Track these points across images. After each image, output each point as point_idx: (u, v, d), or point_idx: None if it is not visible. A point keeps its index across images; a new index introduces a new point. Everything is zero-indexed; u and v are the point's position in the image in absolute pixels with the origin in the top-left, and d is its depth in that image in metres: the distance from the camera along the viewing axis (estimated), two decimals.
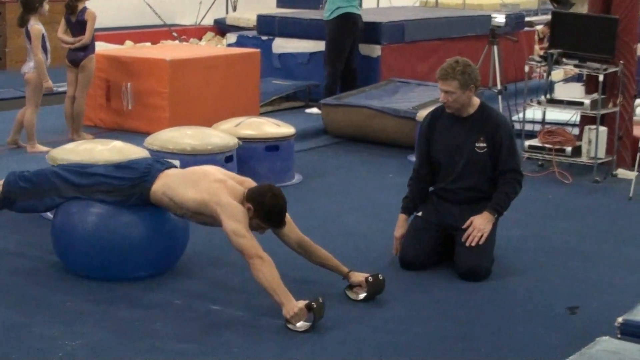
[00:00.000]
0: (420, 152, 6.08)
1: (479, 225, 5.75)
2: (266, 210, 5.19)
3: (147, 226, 5.56)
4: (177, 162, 6.80)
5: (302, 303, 4.93)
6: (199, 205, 5.28)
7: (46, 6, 8.40)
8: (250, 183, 5.43)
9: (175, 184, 5.40)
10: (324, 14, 10.72)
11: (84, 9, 8.88)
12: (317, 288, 5.37)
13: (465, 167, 5.88)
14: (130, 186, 5.48)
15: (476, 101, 5.92)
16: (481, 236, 5.73)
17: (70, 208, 5.63)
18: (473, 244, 5.72)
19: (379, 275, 5.39)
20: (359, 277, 5.39)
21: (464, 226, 5.79)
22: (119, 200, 5.50)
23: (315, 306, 4.90)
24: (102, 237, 5.51)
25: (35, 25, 8.26)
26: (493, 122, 5.88)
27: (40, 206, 5.82)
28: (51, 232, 5.74)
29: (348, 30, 10.53)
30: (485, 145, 5.85)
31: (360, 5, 11.06)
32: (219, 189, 5.24)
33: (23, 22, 8.29)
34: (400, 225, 5.99)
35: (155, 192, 5.43)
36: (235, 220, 5.10)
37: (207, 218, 5.32)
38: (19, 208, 5.87)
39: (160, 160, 5.79)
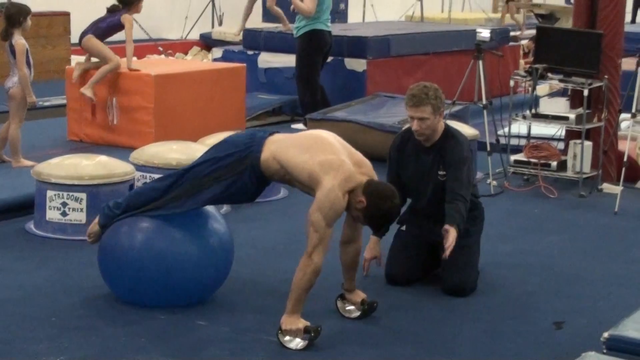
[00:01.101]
0: (391, 174, 5.98)
1: (454, 240, 5.50)
2: (376, 215, 4.98)
3: (193, 248, 5.31)
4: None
5: (302, 324, 4.88)
6: (307, 175, 4.92)
7: (29, 21, 8.38)
8: (368, 169, 5.08)
9: (285, 148, 5.02)
10: (294, 31, 10.69)
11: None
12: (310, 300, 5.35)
13: (432, 194, 5.82)
14: (238, 160, 5.08)
15: (441, 126, 5.82)
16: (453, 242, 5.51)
17: (114, 227, 5.39)
18: (447, 253, 5.48)
19: (375, 303, 5.37)
20: (357, 297, 5.36)
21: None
22: (232, 182, 5.10)
23: (312, 334, 4.88)
24: (155, 260, 5.25)
25: (20, 40, 8.22)
26: (449, 149, 5.74)
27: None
28: (98, 254, 5.48)
29: (317, 47, 10.47)
30: (444, 173, 5.75)
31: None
32: (335, 169, 4.87)
33: (6, 36, 8.26)
34: (372, 247, 5.86)
35: (266, 159, 5.04)
36: (323, 214, 4.84)
37: (306, 188, 5.03)
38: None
39: (260, 130, 5.39)
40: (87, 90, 9.22)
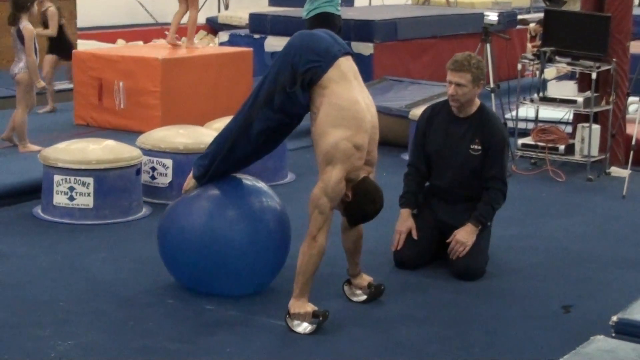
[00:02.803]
0: (417, 146, 6.05)
1: (462, 238, 5.72)
2: (355, 213, 5.01)
3: (251, 240, 5.25)
4: (169, 162, 6.79)
5: (310, 308, 4.88)
6: (323, 154, 4.83)
7: (36, 7, 8.36)
8: (372, 155, 5.03)
9: (328, 108, 4.82)
10: (302, 13, 10.67)
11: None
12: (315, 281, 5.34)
13: (459, 167, 5.86)
14: (303, 70, 4.87)
15: (477, 102, 5.90)
16: (463, 249, 5.70)
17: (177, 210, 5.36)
18: (454, 257, 5.71)
19: (382, 285, 5.37)
20: (363, 281, 5.36)
21: (448, 240, 5.76)
22: (289, 97, 4.92)
23: (321, 318, 4.88)
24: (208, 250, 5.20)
25: (28, 26, 8.22)
26: (490, 127, 5.85)
27: (232, 168, 5.42)
28: (158, 236, 5.45)
29: (326, 29, 10.45)
30: (480, 148, 5.82)
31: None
32: (345, 156, 4.80)
33: (14, 21, 8.25)
34: (406, 218, 5.90)
35: (321, 88, 4.84)
36: (327, 195, 4.82)
37: (314, 145, 4.92)
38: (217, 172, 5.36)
39: (337, 40, 5.10)
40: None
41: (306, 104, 4.96)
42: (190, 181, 5.42)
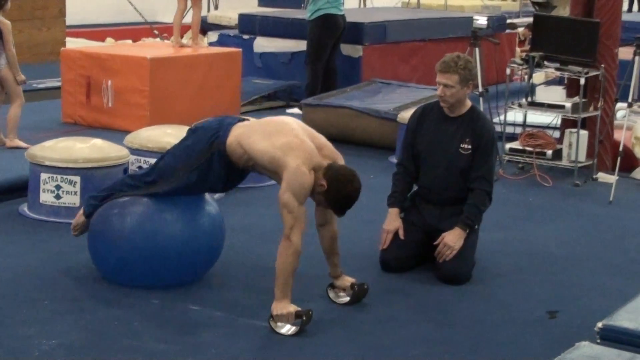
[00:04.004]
0: (406, 145, 6.05)
1: (449, 242, 5.72)
2: (338, 198, 4.99)
3: (184, 228, 5.35)
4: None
5: (293, 308, 4.87)
6: (269, 160, 4.97)
7: (9, 3, 8.34)
8: (330, 151, 5.12)
9: (249, 134, 5.07)
10: (306, 14, 10.71)
11: None
12: (297, 282, 5.33)
13: (448, 166, 5.87)
14: (207, 146, 5.13)
15: (468, 103, 5.92)
16: (450, 253, 5.71)
17: (104, 211, 5.43)
18: (440, 260, 5.71)
19: (365, 285, 5.36)
20: (345, 281, 5.35)
21: (435, 242, 5.77)
22: (203, 170, 5.15)
23: (304, 318, 4.87)
24: (143, 242, 5.29)
25: (5, 21, 8.21)
26: (480, 126, 5.87)
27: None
28: (88, 234, 5.54)
29: (329, 31, 10.53)
30: (470, 147, 5.83)
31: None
32: (293, 149, 4.91)
33: None
34: (393, 218, 5.91)
35: (231, 143, 5.09)
36: (293, 193, 4.84)
37: (272, 174, 5.05)
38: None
39: (229, 117, 5.45)
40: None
41: (222, 167, 5.17)
42: (80, 218, 5.56)
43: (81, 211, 5.58)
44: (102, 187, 5.71)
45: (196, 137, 5.24)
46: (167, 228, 5.32)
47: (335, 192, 4.98)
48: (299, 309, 4.89)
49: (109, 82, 9.29)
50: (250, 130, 5.11)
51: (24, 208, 6.73)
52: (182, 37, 10.57)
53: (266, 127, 5.12)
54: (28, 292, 5.32)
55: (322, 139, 5.18)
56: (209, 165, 5.16)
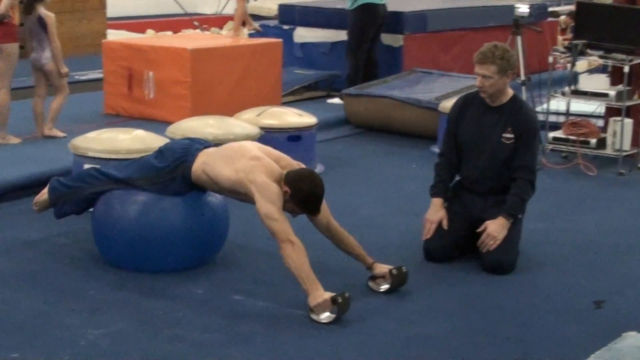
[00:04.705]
0: (449, 135, 6.02)
1: (493, 232, 5.68)
2: (303, 197, 5.11)
3: (186, 220, 5.50)
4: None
5: (328, 295, 4.89)
6: (234, 183, 5.21)
7: None
8: (288, 162, 5.34)
9: (213, 161, 5.34)
10: (347, 3, 10.68)
11: None
12: (339, 278, 5.33)
13: (490, 156, 5.83)
14: (172, 169, 5.42)
15: (510, 91, 5.87)
16: (494, 243, 5.67)
17: (110, 198, 5.57)
18: (484, 250, 5.68)
19: (403, 267, 5.35)
20: (382, 269, 5.35)
21: (478, 230, 5.74)
22: (164, 186, 5.43)
23: (340, 300, 4.87)
24: (141, 229, 5.45)
25: (49, 13, 8.27)
26: (522, 115, 5.82)
27: (86, 205, 5.80)
28: (91, 223, 5.70)
29: (370, 21, 10.48)
30: (512, 136, 5.79)
31: None
32: (255, 167, 5.16)
33: (30, 10, 8.29)
34: (438, 209, 5.88)
35: (196, 170, 5.37)
36: (269, 202, 5.02)
37: (242, 196, 5.25)
38: (68, 211, 5.86)
39: (198, 140, 5.71)
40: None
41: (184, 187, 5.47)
42: (43, 196, 5.88)
43: (45, 189, 5.85)
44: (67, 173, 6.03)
45: (163, 157, 5.50)
46: (168, 213, 5.48)
47: (300, 192, 5.10)
48: (334, 294, 4.89)
49: (150, 73, 9.33)
50: (212, 159, 5.36)
51: None
52: (222, 28, 10.58)
53: (227, 153, 5.36)
54: (74, 282, 5.36)
55: (277, 153, 5.41)
56: (171, 183, 5.45)
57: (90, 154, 6.57)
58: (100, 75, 10.37)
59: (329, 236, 5.42)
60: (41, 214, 6.00)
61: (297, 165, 5.35)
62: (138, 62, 9.43)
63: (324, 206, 5.33)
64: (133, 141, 6.66)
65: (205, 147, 5.53)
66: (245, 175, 5.14)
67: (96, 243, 5.71)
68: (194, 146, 5.51)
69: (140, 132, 6.85)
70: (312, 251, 5.19)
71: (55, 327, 4.73)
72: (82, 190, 5.71)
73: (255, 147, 5.41)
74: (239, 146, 5.45)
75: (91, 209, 5.76)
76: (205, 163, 5.35)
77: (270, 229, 5.02)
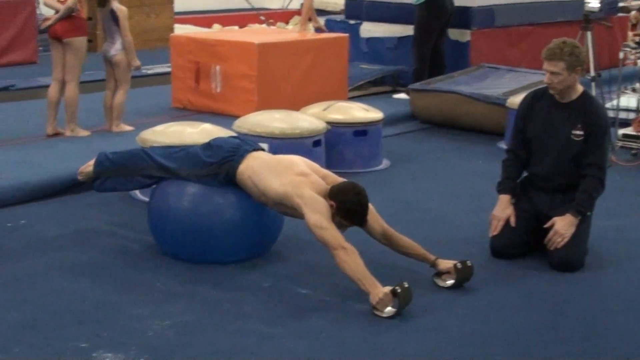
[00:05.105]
0: (517, 131, 5.96)
1: (561, 229, 5.62)
2: (348, 209, 5.16)
3: (243, 210, 5.55)
4: (265, 146, 6.81)
5: (387, 289, 4.90)
6: (281, 197, 5.28)
7: None
8: (334, 178, 5.40)
9: (261, 170, 5.40)
10: None
11: None
12: (404, 274, 5.31)
13: (559, 153, 5.77)
14: (218, 166, 5.50)
15: (580, 88, 5.80)
16: (562, 240, 5.61)
17: (167, 189, 5.66)
18: (551, 248, 5.61)
19: (468, 262, 5.32)
20: (447, 264, 5.33)
21: (546, 226, 5.68)
22: (207, 180, 5.52)
23: (399, 291, 4.86)
24: (198, 220, 5.51)
25: (121, 6, 8.36)
26: (592, 112, 5.75)
27: (128, 185, 5.96)
28: (148, 213, 5.78)
29: (436, 16, 10.42)
30: (582, 133, 5.72)
31: None
32: (302, 183, 5.24)
33: (104, 3, 8.38)
34: (505, 205, 5.85)
35: (242, 173, 5.44)
36: (317, 213, 5.09)
37: (288, 209, 5.34)
38: (108, 187, 5.98)
39: (248, 141, 5.79)
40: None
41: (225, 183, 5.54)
42: (88, 168, 6.01)
43: (92, 161, 5.98)
44: (117, 150, 6.09)
45: (212, 153, 5.57)
46: (224, 205, 5.54)
47: (344, 204, 5.16)
48: (392, 287, 4.89)
49: (218, 67, 9.38)
50: (261, 169, 5.42)
51: (136, 191, 6.84)
52: (288, 23, 10.60)
53: (276, 167, 5.41)
54: (140, 273, 5.41)
55: (324, 170, 5.51)
56: (214, 179, 5.53)
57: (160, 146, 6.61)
58: (168, 69, 10.47)
59: (386, 243, 5.44)
60: (108, 206, 6.06)
61: (341, 180, 5.41)
62: (206, 56, 9.49)
63: (377, 215, 5.39)
64: (200, 134, 6.69)
65: (254, 150, 5.59)
66: (293, 190, 5.22)
67: (152, 234, 5.77)
68: (242, 147, 5.58)
69: (207, 126, 6.90)
70: (372, 249, 5.23)
71: (122, 318, 4.79)
72: (126, 170, 5.82)
73: (303, 163, 5.48)
74: (289, 161, 5.49)
75: (139, 194, 5.78)
76: (252, 169, 5.42)
77: (322, 238, 5.07)
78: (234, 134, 6.90)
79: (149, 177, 5.76)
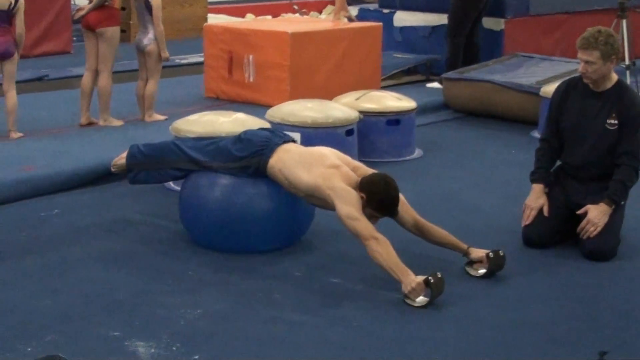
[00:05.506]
0: (551, 120, 5.93)
1: (594, 218, 5.58)
2: (378, 200, 5.16)
3: (274, 200, 5.56)
4: (297, 135, 6.81)
5: (420, 278, 4.89)
6: (312, 189, 5.29)
7: None
8: (365, 170, 5.40)
9: (291, 163, 5.41)
10: None
11: None
12: (436, 264, 5.31)
13: (594, 143, 5.73)
14: (248, 159, 5.51)
15: (614, 77, 5.75)
16: (595, 229, 5.57)
17: (199, 180, 5.68)
18: (585, 237, 5.57)
19: (500, 251, 5.29)
20: (479, 253, 5.31)
21: (579, 212, 5.64)
22: (237, 173, 5.54)
23: (432, 281, 4.85)
24: (230, 209, 5.53)
25: None
26: (627, 100, 5.70)
27: (161, 177, 5.98)
28: (179, 203, 5.80)
29: (472, 5, 10.35)
30: (616, 122, 5.68)
31: None
32: (332, 175, 5.24)
33: None
34: (539, 195, 5.82)
35: (272, 167, 5.45)
36: (348, 204, 5.09)
37: (318, 201, 5.34)
38: (142, 179, 6.02)
39: (278, 134, 5.79)
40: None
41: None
42: (121, 160, 6.08)
43: (125, 154, 6.04)
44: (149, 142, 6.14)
45: (242, 146, 5.57)
46: (255, 195, 5.55)
47: (374, 195, 5.15)
48: (425, 276, 4.88)
49: (251, 57, 9.39)
50: (291, 161, 5.42)
51: (169, 182, 6.86)
52: (321, 12, 10.57)
53: (307, 159, 5.41)
54: (172, 263, 5.44)
55: (355, 162, 5.51)
56: (244, 171, 5.55)
57: (191, 136, 6.62)
58: (201, 59, 10.48)
59: (418, 234, 5.43)
60: (140, 196, 6.09)
61: (372, 172, 5.40)
62: (239, 46, 9.49)
63: (408, 206, 5.38)
64: (233, 124, 6.71)
65: (285, 142, 5.58)
66: (324, 182, 5.22)
67: (183, 224, 5.79)
68: (273, 140, 5.58)
69: (240, 115, 6.91)
70: (404, 238, 5.21)
71: (155, 307, 4.81)
72: (158, 163, 5.86)
73: (333, 155, 5.48)
74: (319, 153, 5.49)
75: (172, 184, 5.82)
76: (283, 162, 5.42)
77: (353, 229, 5.06)
78: (267, 124, 6.91)
79: (180, 169, 5.78)
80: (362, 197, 5.15)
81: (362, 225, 5.05)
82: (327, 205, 5.27)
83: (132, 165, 5.97)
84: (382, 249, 4.98)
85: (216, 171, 5.60)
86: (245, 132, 5.76)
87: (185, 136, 6.58)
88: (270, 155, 5.48)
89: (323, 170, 5.29)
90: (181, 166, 5.76)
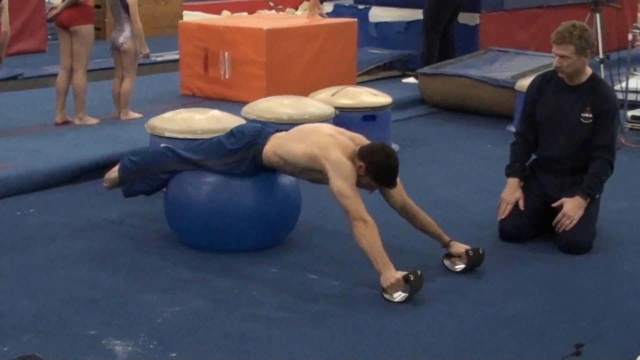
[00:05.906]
0: (526, 114, 5.96)
1: (569, 211, 5.61)
2: (378, 169, 5.10)
3: (261, 200, 5.54)
4: None
5: (400, 274, 4.89)
6: (308, 159, 5.20)
7: None
8: (362, 140, 5.32)
9: (285, 141, 5.35)
10: None
11: None
12: (415, 257, 5.33)
13: (568, 136, 5.76)
14: (244, 151, 5.45)
15: (589, 71, 5.79)
16: (570, 223, 5.60)
17: (184, 177, 5.63)
18: (560, 230, 5.61)
19: (480, 249, 5.31)
20: (459, 248, 5.32)
21: (555, 205, 5.67)
22: (233, 167, 5.47)
23: (412, 279, 4.86)
24: (214, 210, 5.50)
25: None
26: (601, 94, 5.74)
27: (155, 184, 5.85)
28: (164, 201, 5.77)
29: (447, 1, 10.37)
30: (590, 116, 5.71)
31: None
32: (329, 143, 5.16)
33: None
34: (514, 189, 5.84)
35: (267, 152, 5.38)
36: (342, 179, 5.02)
37: (316, 174, 5.24)
38: (137, 191, 5.92)
39: (269, 125, 5.77)
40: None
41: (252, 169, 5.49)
42: (113, 174, 5.98)
43: (116, 167, 5.96)
44: (137, 151, 6.08)
45: (235, 140, 5.51)
46: (240, 194, 5.52)
47: (374, 165, 5.09)
48: (405, 272, 4.88)
49: (226, 53, 9.38)
50: (284, 140, 5.37)
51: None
52: (297, 8, 10.56)
53: (299, 133, 5.37)
54: (150, 261, 5.43)
55: (351, 133, 5.38)
56: (240, 164, 5.47)
57: (167, 134, 6.62)
58: (176, 56, 10.46)
59: (404, 215, 5.40)
60: (117, 195, 6.07)
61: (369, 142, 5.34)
62: (214, 43, 9.48)
63: (399, 185, 5.31)
64: (209, 121, 6.70)
65: (277, 131, 5.54)
66: (320, 151, 5.13)
67: (169, 223, 5.77)
68: (265, 129, 5.54)
69: (216, 112, 6.89)
70: (386, 230, 5.19)
71: (132, 305, 4.80)
72: (151, 170, 5.76)
73: (328, 127, 5.43)
74: (313, 126, 5.47)
75: (163, 190, 5.82)
76: (277, 145, 5.36)
77: (343, 206, 5.01)
78: (243, 121, 6.90)
79: (172, 172, 5.70)
80: (360, 166, 5.08)
81: (353, 204, 4.98)
82: (324, 178, 5.17)
83: (125, 177, 5.87)
84: (369, 234, 4.93)
85: (211, 169, 5.54)
86: (237, 127, 5.72)
87: (162, 134, 6.57)
88: (264, 143, 5.41)
89: (319, 139, 5.21)
90: (176, 168, 5.67)
